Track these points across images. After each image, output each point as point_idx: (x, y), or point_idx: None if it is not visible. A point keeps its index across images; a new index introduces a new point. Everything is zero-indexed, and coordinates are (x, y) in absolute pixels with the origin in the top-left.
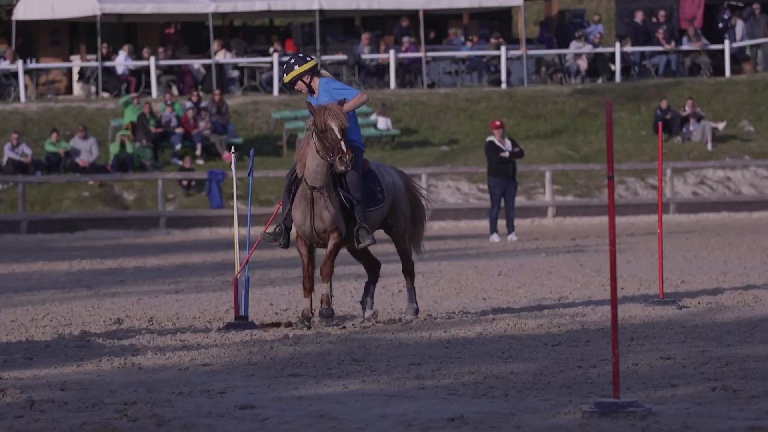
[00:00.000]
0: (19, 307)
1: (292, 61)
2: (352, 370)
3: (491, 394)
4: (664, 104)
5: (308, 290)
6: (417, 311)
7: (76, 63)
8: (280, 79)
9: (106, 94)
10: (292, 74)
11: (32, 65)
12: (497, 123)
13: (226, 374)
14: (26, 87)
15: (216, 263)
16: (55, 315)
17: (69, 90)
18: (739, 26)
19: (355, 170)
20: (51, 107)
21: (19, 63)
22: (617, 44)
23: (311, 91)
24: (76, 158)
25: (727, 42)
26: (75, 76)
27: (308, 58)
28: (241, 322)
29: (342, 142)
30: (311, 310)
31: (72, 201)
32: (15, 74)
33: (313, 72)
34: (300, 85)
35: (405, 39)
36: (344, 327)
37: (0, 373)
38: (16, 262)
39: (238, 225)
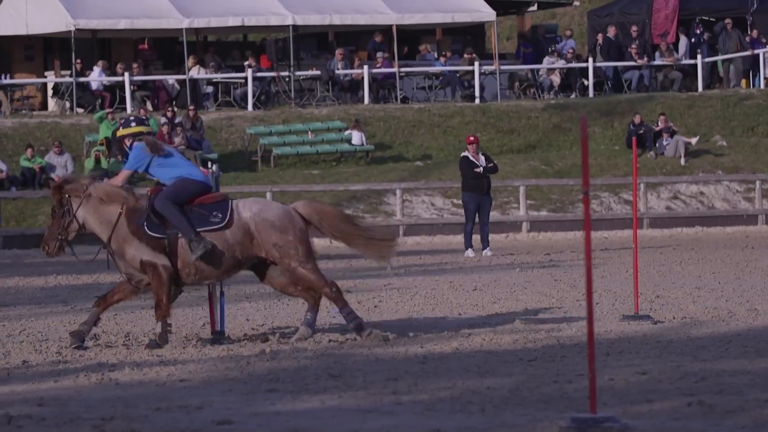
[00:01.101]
0: None
1: (132, 120)
2: (329, 386)
3: (468, 409)
4: (637, 119)
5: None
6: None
7: (50, 79)
8: (254, 94)
9: (80, 110)
10: (128, 131)
11: (6, 81)
12: (471, 138)
13: (204, 389)
14: (1, 102)
15: None
16: (32, 330)
17: (44, 106)
18: (682, 42)
19: (159, 200)
20: (26, 123)
21: None
22: (590, 59)
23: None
24: (51, 174)
25: (699, 57)
26: (50, 92)
27: (146, 123)
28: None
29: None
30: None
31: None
32: None
33: (136, 137)
34: (127, 141)
35: (378, 54)
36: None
37: None
38: None
39: None
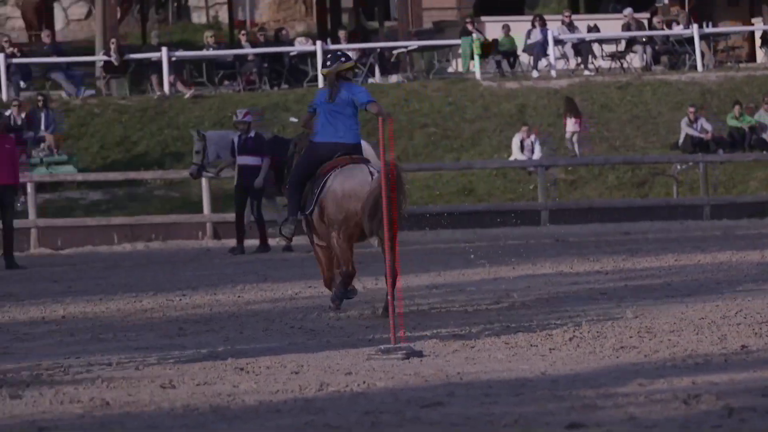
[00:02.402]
0: (708, 303)
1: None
2: None
3: None
4: None
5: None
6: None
7: (758, 27)
8: None
9: None
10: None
11: (709, 29)
12: None
13: None
14: (703, 54)
15: None
16: (750, 311)
17: (752, 57)
18: None
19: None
20: (732, 77)
21: (695, 27)
22: None
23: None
24: (763, 134)
25: None
26: (757, 41)
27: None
28: None
29: None
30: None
31: (759, 182)
32: (690, 40)
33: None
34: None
35: None
36: None
37: (692, 378)
38: (701, 252)
39: None
